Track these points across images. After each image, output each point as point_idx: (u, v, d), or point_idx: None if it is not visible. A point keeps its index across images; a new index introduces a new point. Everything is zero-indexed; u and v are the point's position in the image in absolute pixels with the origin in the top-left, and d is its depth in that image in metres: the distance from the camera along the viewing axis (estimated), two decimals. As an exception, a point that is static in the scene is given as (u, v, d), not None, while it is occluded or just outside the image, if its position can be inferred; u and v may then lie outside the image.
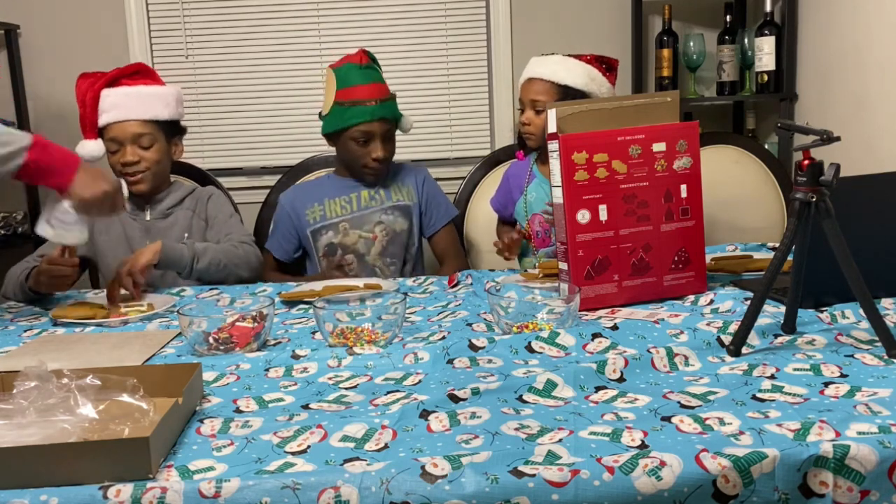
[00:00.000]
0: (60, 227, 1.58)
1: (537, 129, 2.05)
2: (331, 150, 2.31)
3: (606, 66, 2.08)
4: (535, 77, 2.05)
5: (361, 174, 2.16)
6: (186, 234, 2.03)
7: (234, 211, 2.14)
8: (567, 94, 1.99)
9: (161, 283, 1.95)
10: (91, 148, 1.99)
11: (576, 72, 2.03)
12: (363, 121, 2.07)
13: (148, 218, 2.05)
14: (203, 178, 2.37)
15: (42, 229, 1.59)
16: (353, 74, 2.09)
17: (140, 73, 2.07)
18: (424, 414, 1.01)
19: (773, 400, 1.02)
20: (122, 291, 1.72)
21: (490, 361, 1.21)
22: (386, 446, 0.92)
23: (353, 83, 2.08)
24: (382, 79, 2.14)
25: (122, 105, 1.99)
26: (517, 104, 2.18)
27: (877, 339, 1.18)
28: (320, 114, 2.19)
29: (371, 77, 2.10)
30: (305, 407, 1.07)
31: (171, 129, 2.06)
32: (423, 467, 0.84)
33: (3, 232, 3.10)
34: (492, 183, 2.37)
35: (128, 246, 2.01)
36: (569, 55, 2.07)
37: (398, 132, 2.22)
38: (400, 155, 2.26)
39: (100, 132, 2.00)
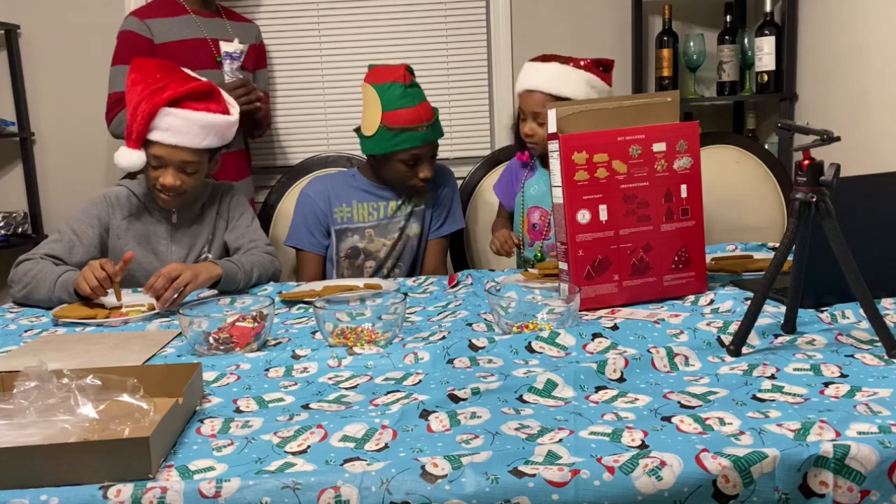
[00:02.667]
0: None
1: (541, 139, 2.04)
2: (331, 151, 2.31)
3: (603, 67, 2.07)
4: (534, 89, 2.03)
5: (406, 191, 2.17)
6: (210, 237, 2.00)
7: (253, 213, 2.09)
8: None
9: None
10: (133, 159, 1.84)
11: (575, 82, 2.01)
12: (414, 146, 2.06)
13: (174, 221, 1.97)
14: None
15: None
16: (399, 96, 2.06)
17: (207, 96, 1.88)
18: (424, 414, 1.01)
19: (774, 400, 1.02)
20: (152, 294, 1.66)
21: (490, 361, 1.21)
22: (386, 446, 0.92)
23: (400, 106, 2.05)
24: (425, 96, 2.11)
25: (179, 129, 1.83)
26: (516, 110, 2.17)
27: (877, 339, 1.18)
28: (357, 130, 2.16)
29: (417, 98, 2.08)
30: (305, 407, 1.07)
31: (216, 149, 1.95)
32: (423, 467, 0.84)
33: (3, 232, 3.10)
34: (492, 183, 2.37)
35: (150, 248, 1.95)
36: (567, 59, 2.06)
37: None
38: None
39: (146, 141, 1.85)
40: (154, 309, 1.67)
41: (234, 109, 1.95)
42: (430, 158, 2.12)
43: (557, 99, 1.99)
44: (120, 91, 2.25)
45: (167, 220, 1.97)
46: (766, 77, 2.76)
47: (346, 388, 1.14)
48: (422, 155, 2.09)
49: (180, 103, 1.84)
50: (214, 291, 1.82)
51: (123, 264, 1.68)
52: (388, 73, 2.09)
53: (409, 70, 2.11)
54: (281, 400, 1.11)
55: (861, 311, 1.22)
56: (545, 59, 2.09)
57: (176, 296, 1.66)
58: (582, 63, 2.04)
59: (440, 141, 2.24)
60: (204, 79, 1.92)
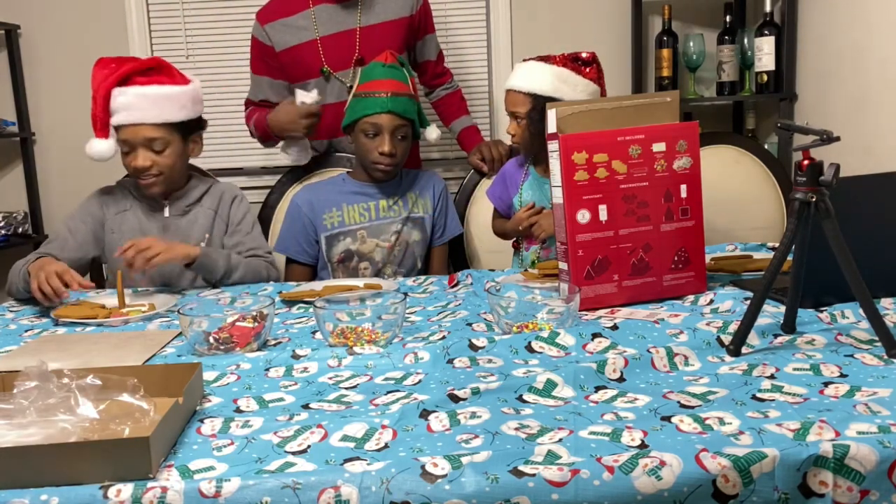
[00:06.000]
0: (287, 153, 2.32)
1: (521, 139, 2.04)
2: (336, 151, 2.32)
3: (581, 62, 2.05)
4: (510, 88, 2.04)
5: (370, 170, 2.14)
6: (207, 235, 1.99)
7: (256, 220, 2.09)
8: (539, 100, 1.94)
9: (181, 280, 1.96)
10: (101, 148, 1.88)
11: (543, 78, 1.99)
12: (373, 112, 2.05)
13: (167, 215, 1.98)
14: (204, 177, 2.36)
15: (282, 156, 2.35)
16: (376, 71, 2.09)
17: (155, 70, 1.91)
18: (424, 414, 1.01)
19: (773, 400, 1.02)
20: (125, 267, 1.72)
21: (490, 361, 1.21)
22: (386, 446, 0.93)
23: (372, 78, 2.08)
24: (405, 79, 2.10)
25: (133, 106, 1.86)
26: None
27: (877, 339, 1.18)
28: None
29: (391, 74, 2.08)
30: (306, 407, 1.07)
31: (188, 128, 1.96)
32: (423, 467, 0.84)
33: (3, 232, 3.10)
34: (492, 183, 2.38)
35: None
36: (545, 58, 2.04)
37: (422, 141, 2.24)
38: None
39: (115, 129, 1.90)
40: (154, 309, 1.67)
41: (193, 80, 1.98)
42: (392, 133, 2.06)
43: (528, 95, 1.99)
44: (250, 98, 2.43)
45: (160, 213, 1.99)
46: (765, 77, 2.77)
47: (346, 388, 1.14)
48: (382, 125, 2.05)
49: (128, 81, 1.88)
50: (218, 290, 1.82)
51: (81, 287, 1.68)
52: (378, 57, 2.12)
53: (394, 55, 2.12)
54: (281, 400, 1.11)
55: (861, 310, 1.22)
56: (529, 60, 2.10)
57: (146, 261, 1.71)
58: (555, 59, 2.02)
59: (440, 140, 2.24)
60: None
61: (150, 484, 0.83)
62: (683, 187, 1.53)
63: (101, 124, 1.88)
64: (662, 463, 0.84)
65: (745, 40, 2.86)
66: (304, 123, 2.19)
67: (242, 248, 1.98)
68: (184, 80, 1.95)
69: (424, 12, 2.46)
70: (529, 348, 1.25)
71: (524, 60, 2.09)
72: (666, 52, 2.89)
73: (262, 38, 2.37)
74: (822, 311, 1.38)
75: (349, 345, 1.31)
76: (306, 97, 2.18)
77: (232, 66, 3.10)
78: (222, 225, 2.02)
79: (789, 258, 1.23)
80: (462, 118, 2.57)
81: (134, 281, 1.92)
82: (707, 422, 0.96)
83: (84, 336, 1.51)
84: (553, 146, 1.49)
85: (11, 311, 1.74)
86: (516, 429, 0.96)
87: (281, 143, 2.34)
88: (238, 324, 1.34)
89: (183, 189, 2.00)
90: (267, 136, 2.33)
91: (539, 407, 1.04)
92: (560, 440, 0.91)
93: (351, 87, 2.32)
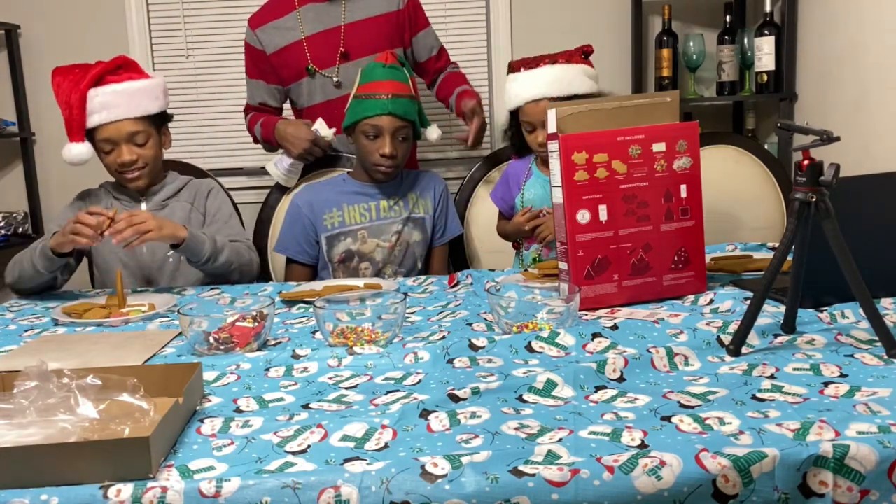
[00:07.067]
0: (276, 167, 2.31)
1: None
2: (332, 152, 2.31)
3: (585, 54, 2.06)
4: (540, 97, 2.01)
5: (371, 171, 2.14)
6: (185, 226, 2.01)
7: (233, 210, 2.12)
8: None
9: (160, 276, 1.97)
10: (79, 152, 1.92)
11: (577, 78, 2.01)
12: (373, 114, 2.04)
13: (144, 209, 2.00)
14: (203, 177, 2.36)
15: (267, 167, 2.34)
16: (376, 72, 2.08)
17: (124, 68, 1.98)
18: (424, 414, 1.01)
19: (773, 400, 1.02)
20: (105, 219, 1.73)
21: (490, 361, 1.21)
22: (386, 446, 0.93)
23: (372, 79, 2.08)
24: (406, 80, 2.10)
25: (112, 104, 1.91)
26: (507, 119, 2.18)
27: (877, 339, 1.18)
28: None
29: (391, 75, 2.08)
30: (306, 407, 1.07)
31: (160, 120, 2.02)
32: (423, 467, 0.85)
33: (3, 232, 3.10)
34: (492, 182, 2.38)
35: None
36: (552, 59, 2.04)
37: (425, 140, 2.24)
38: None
39: (88, 133, 1.93)
40: (154, 309, 1.67)
41: (157, 75, 2.04)
42: (393, 135, 2.06)
43: (563, 99, 1.98)
44: (249, 102, 2.43)
45: (138, 209, 2.01)
46: (765, 77, 2.77)
47: (346, 388, 1.14)
48: (383, 126, 2.05)
49: (102, 81, 1.92)
50: (217, 291, 1.82)
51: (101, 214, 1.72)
52: (378, 58, 2.13)
53: (395, 55, 2.12)
54: (281, 400, 1.11)
55: (861, 310, 1.22)
56: (527, 64, 2.09)
57: (136, 239, 1.73)
58: (572, 59, 2.03)
59: (440, 139, 2.24)
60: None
61: (150, 484, 0.83)
62: (683, 187, 1.53)
63: (78, 127, 1.91)
64: (662, 463, 0.84)
65: (745, 40, 2.85)
66: (305, 146, 2.22)
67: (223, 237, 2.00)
68: (148, 75, 2.01)
69: (414, 7, 2.43)
70: (529, 348, 1.25)
71: (511, 71, 2.08)
72: (666, 52, 2.89)
73: (254, 42, 2.38)
74: (822, 311, 1.39)
75: (349, 345, 1.31)
76: (322, 129, 2.22)
77: (232, 66, 3.09)
78: (199, 216, 2.05)
79: (789, 258, 1.23)
80: (463, 85, 2.44)
81: (112, 274, 1.97)
82: (707, 422, 0.96)
83: (84, 336, 1.51)
84: (553, 146, 1.49)
85: (11, 312, 1.74)
86: (516, 429, 0.96)
87: (276, 157, 2.33)
88: (238, 324, 1.34)
89: (160, 184, 2.05)
90: (269, 138, 2.34)
91: (539, 407, 1.04)
92: (560, 440, 0.92)
93: (337, 82, 2.32)
